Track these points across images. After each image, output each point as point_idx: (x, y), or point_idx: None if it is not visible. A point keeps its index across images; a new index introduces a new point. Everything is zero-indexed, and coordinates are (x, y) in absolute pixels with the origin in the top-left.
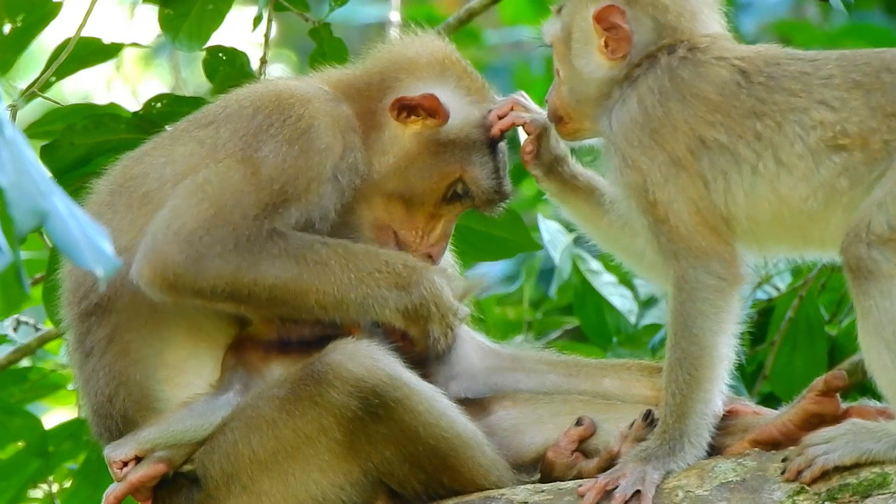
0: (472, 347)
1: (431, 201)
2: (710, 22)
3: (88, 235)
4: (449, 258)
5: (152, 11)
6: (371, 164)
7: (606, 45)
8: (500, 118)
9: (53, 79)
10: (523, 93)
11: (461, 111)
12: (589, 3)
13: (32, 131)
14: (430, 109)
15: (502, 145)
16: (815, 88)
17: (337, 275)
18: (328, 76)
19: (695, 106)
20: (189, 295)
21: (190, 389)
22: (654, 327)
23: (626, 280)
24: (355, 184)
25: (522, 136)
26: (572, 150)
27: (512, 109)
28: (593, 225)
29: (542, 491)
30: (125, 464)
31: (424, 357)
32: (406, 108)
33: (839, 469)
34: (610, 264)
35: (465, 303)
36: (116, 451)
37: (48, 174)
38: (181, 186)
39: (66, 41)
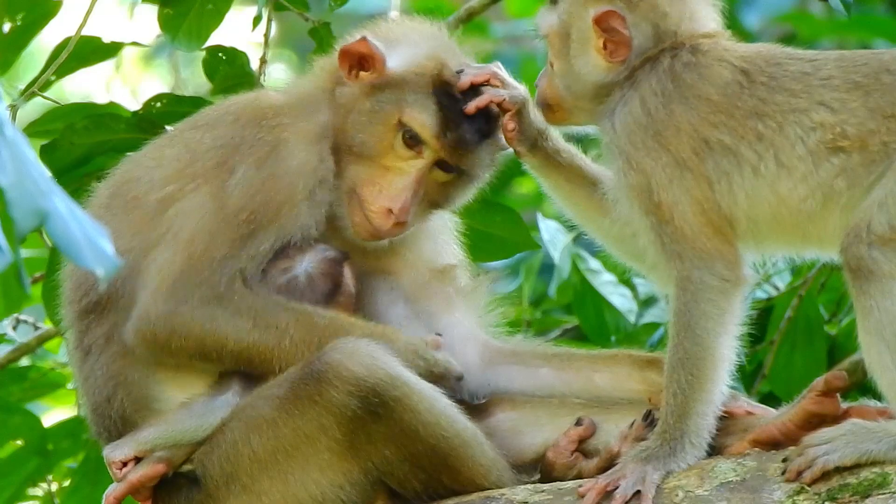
0: (471, 344)
1: (383, 152)
2: (708, 20)
3: (88, 235)
4: (458, 252)
5: (152, 11)
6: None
7: (605, 47)
8: (474, 85)
9: (53, 78)
10: (499, 64)
11: (401, 54)
12: (588, 5)
13: (32, 131)
14: (370, 56)
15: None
16: (815, 89)
17: (298, 346)
18: (315, 75)
19: (698, 107)
20: (168, 354)
21: (188, 389)
22: (653, 326)
23: (625, 279)
24: (331, 197)
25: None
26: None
27: (488, 82)
28: (572, 202)
29: (542, 491)
30: (125, 464)
31: None
32: (355, 64)
33: (839, 469)
34: (609, 263)
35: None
36: (116, 452)
37: (48, 174)
38: (167, 237)
39: (66, 40)
